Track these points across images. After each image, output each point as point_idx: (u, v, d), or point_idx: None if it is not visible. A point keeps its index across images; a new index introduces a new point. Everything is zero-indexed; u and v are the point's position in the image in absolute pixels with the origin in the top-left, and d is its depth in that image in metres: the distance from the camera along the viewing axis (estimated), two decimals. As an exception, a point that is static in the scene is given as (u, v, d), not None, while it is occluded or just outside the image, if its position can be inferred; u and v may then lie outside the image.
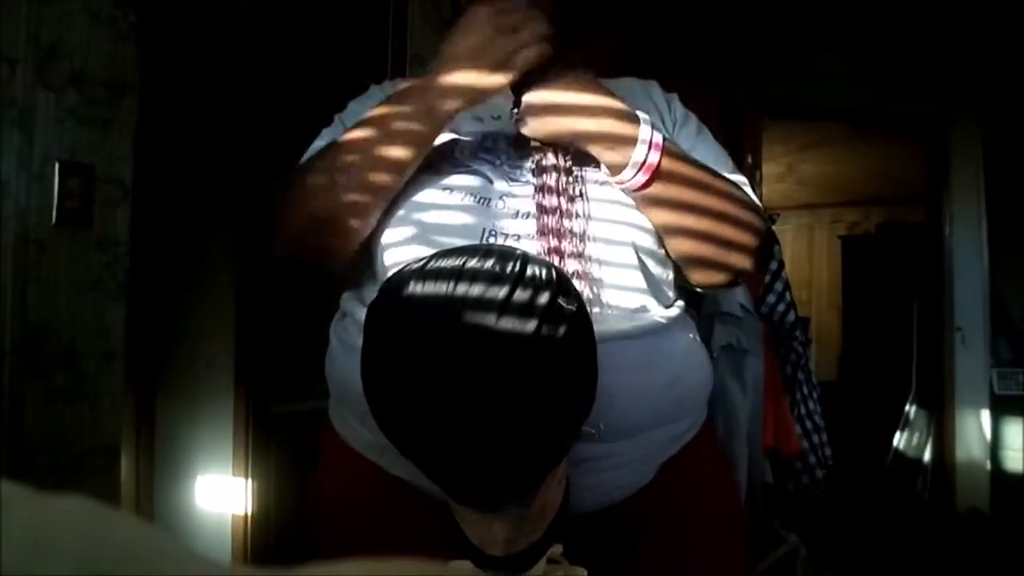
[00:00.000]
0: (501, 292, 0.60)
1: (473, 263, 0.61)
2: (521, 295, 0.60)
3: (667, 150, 0.83)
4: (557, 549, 0.70)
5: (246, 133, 2.32)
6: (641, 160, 0.82)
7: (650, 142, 0.82)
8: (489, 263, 0.61)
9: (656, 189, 0.83)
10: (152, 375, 2.39)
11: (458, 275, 0.61)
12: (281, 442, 2.35)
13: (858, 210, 7.17)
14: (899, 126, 4.25)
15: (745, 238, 0.86)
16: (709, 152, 0.95)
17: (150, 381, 2.38)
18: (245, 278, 2.30)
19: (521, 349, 0.59)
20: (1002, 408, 3.93)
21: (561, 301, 0.61)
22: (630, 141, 0.82)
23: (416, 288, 0.61)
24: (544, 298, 0.60)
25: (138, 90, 1.71)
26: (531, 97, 0.84)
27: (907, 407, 4.59)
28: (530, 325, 0.59)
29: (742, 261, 0.87)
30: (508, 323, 0.59)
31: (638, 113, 0.84)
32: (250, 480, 2.24)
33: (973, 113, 3.94)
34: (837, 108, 3.82)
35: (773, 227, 2.33)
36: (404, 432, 0.63)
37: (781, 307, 2.49)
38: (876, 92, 3.76)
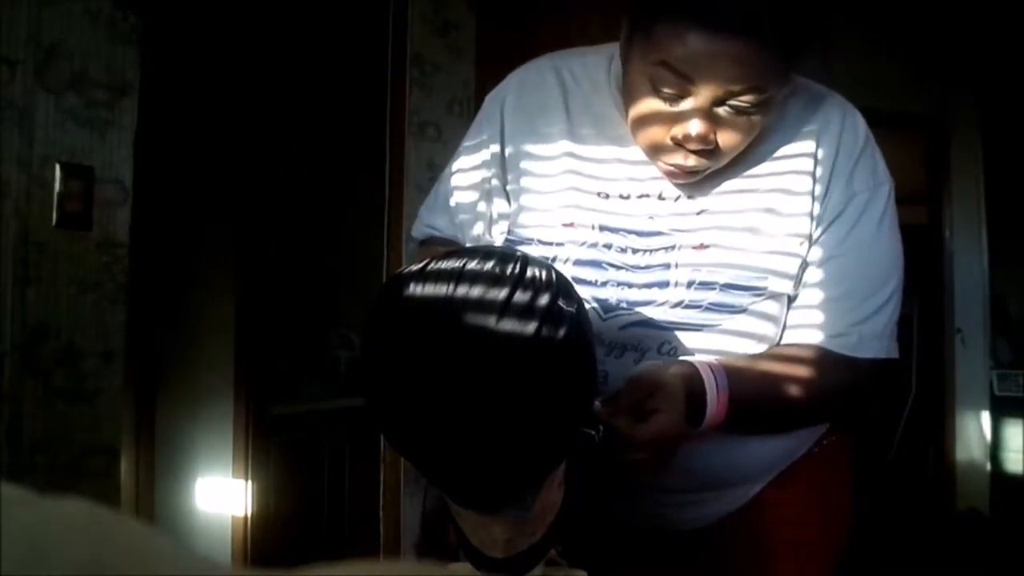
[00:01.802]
0: (501, 293, 0.60)
1: (473, 265, 0.61)
2: (521, 297, 0.60)
3: (728, 395, 0.79)
4: (556, 550, 0.70)
5: (246, 133, 2.32)
6: (711, 417, 0.79)
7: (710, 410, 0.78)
8: (489, 265, 0.61)
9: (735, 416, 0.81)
10: (152, 375, 2.39)
11: (458, 276, 0.61)
12: (281, 443, 2.35)
13: (858, 211, 7.18)
14: (899, 127, 4.25)
15: (820, 404, 0.87)
16: (846, 260, 0.87)
17: (150, 381, 2.38)
18: (245, 278, 2.30)
19: (521, 350, 0.59)
20: (1002, 409, 3.92)
21: (561, 303, 0.61)
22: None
23: (416, 289, 0.61)
24: (544, 300, 0.60)
25: (138, 91, 1.71)
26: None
27: (907, 407, 4.59)
28: (530, 327, 0.59)
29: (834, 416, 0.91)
30: (508, 324, 0.59)
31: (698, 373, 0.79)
32: (250, 481, 2.24)
33: (973, 113, 3.94)
34: (837, 109, 3.82)
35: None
36: (404, 433, 0.63)
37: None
38: (876, 92, 3.75)
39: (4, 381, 1.49)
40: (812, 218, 0.86)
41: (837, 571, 0.97)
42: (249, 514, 2.23)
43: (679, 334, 0.83)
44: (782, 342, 0.88)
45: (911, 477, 4.30)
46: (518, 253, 0.64)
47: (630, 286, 0.84)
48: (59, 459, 1.56)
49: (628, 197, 0.88)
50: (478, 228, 0.96)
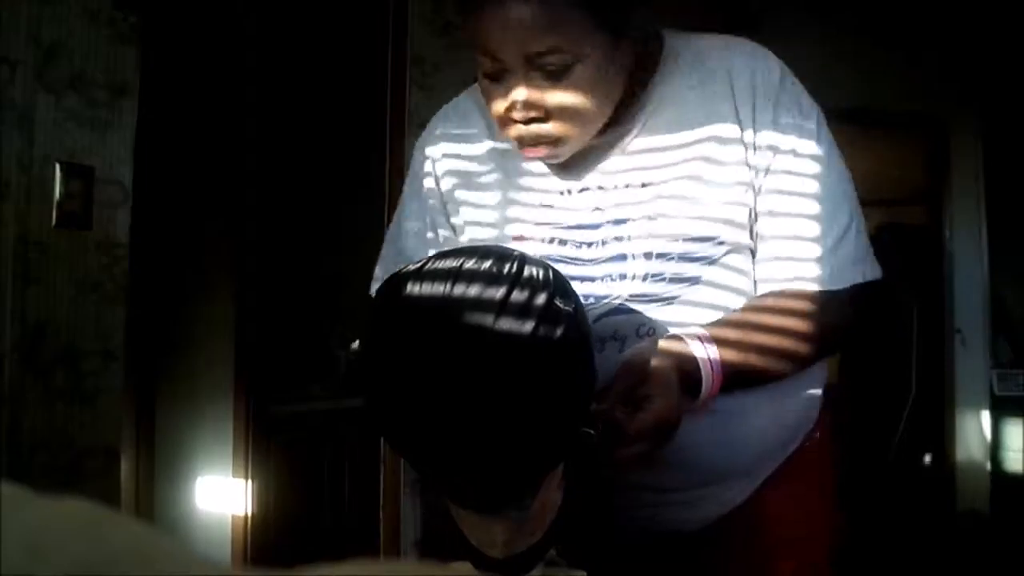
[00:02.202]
0: (499, 293, 0.60)
1: (471, 264, 0.61)
2: (518, 296, 0.60)
3: (721, 362, 0.79)
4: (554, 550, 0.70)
5: (246, 134, 2.32)
6: (708, 389, 0.79)
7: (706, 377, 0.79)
8: (487, 264, 0.61)
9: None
10: (152, 375, 2.39)
11: (456, 276, 0.61)
12: (281, 443, 2.35)
13: (858, 211, 7.17)
14: (899, 127, 4.25)
15: (811, 344, 0.87)
16: (794, 198, 0.87)
17: (150, 381, 2.38)
18: (245, 278, 2.30)
19: (519, 349, 0.59)
20: (1002, 409, 3.92)
21: (558, 302, 0.61)
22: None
23: (414, 289, 0.61)
24: (541, 299, 0.60)
25: (138, 91, 1.71)
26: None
27: (907, 408, 4.59)
28: (527, 325, 0.59)
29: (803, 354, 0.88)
30: (506, 323, 0.59)
31: (686, 345, 0.79)
32: (250, 481, 2.24)
33: (973, 113, 3.93)
34: (837, 109, 3.81)
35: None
36: (403, 434, 0.63)
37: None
38: (876, 93, 3.75)
39: (4, 381, 1.49)
40: (749, 166, 0.86)
41: (833, 568, 0.98)
42: (249, 514, 2.23)
43: (652, 311, 0.84)
44: (757, 293, 0.88)
45: (911, 477, 4.30)
46: (515, 252, 0.64)
47: (592, 280, 0.85)
48: (59, 459, 1.56)
49: (570, 193, 0.90)
50: None
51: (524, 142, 0.84)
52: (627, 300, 0.84)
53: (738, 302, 0.86)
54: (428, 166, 0.98)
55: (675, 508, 0.89)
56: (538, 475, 0.64)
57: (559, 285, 0.63)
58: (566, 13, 0.77)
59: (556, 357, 0.61)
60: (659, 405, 0.72)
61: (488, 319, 0.59)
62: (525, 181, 0.92)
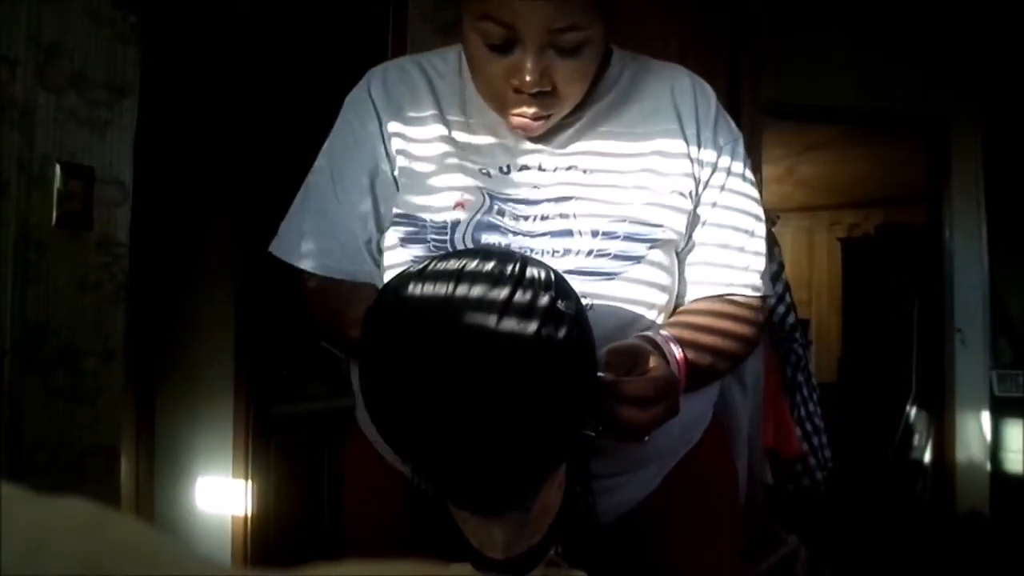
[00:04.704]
0: (502, 294, 0.59)
1: (473, 265, 0.61)
2: (521, 297, 0.60)
3: (686, 362, 0.83)
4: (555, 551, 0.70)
5: (246, 133, 2.32)
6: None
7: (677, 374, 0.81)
8: (489, 265, 0.61)
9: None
10: (152, 375, 2.39)
11: (458, 277, 0.61)
12: (281, 443, 2.35)
13: (857, 212, 7.17)
14: (899, 127, 4.25)
15: (745, 346, 0.95)
16: (730, 205, 0.94)
17: (150, 381, 2.38)
18: (245, 278, 2.30)
19: (522, 350, 0.59)
20: (1002, 410, 3.92)
21: (561, 303, 0.61)
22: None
23: (416, 290, 0.61)
24: (544, 300, 0.60)
25: (138, 91, 1.71)
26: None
27: (907, 408, 4.59)
28: (531, 326, 0.59)
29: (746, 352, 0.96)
30: (509, 324, 0.59)
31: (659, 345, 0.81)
32: (250, 481, 2.24)
33: (973, 113, 3.94)
34: (837, 109, 3.82)
35: (774, 229, 2.33)
36: (404, 436, 0.63)
37: (781, 309, 2.49)
38: (876, 93, 3.75)
39: (4, 381, 1.49)
40: (691, 177, 0.92)
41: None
42: (249, 514, 2.23)
43: (591, 284, 0.85)
44: (687, 294, 0.94)
45: (911, 477, 4.30)
46: (517, 254, 0.64)
47: (532, 250, 0.86)
48: (59, 459, 1.56)
49: (508, 171, 0.90)
50: (368, 229, 0.94)
51: (524, 115, 0.85)
52: (571, 266, 0.85)
53: (663, 294, 0.90)
54: (371, 110, 0.95)
55: (597, 496, 0.89)
56: (541, 476, 0.64)
57: (561, 286, 0.63)
58: None
59: (560, 358, 0.60)
60: (661, 373, 0.74)
61: (492, 320, 0.58)
62: (466, 151, 0.91)
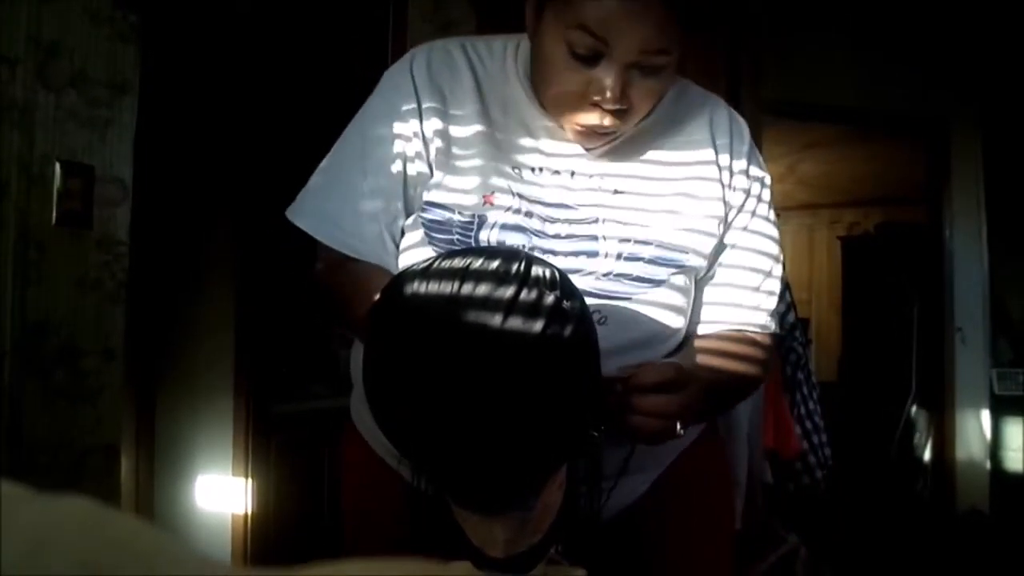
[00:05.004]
0: (507, 292, 0.59)
1: (478, 264, 0.61)
2: (527, 296, 0.60)
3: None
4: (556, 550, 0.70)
5: (246, 133, 2.32)
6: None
7: None
8: (494, 264, 0.61)
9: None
10: (152, 375, 2.39)
11: (463, 275, 0.60)
12: (281, 442, 2.35)
13: (857, 211, 7.17)
14: (899, 126, 4.25)
15: (751, 386, 1.01)
16: (752, 245, 0.97)
17: (150, 381, 2.38)
18: (245, 278, 2.29)
19: (528, 349, 0.59)
20: (1002, 408, 3.92)
21: (566, 302, 0.61)
22: None
23: (420, 288, 0.61)
24: (550, 299, 0.60)
25: (138, 90, 1.71)
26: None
27: (907, 407, 4.59)
28: (537, 325, 0.59)
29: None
30: (514, 323, 0.58)
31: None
32: (250, 480, 2.24)
33: (973, 113, 3.94)
34: (837, 108, 3.82)
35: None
36: (408, 434, 0.62)
37: (781, 307, 2.49)
38: (876, 92, 3.75)
39: (4, 381, 1.49)
40: (724, 203, 0.94)
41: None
42: (249, 513, 2.23)
43: (607, 303, 0.86)
44: (701, 320, 0.96)
45: (911, 476, 4.30)
46: (522, 252, 0.64)
47: (555, 254, 0.86)
48: (60, 458, 1.56)
49: (541, 171, 0.90)
50: (391, 209, 0.92)
51: (594, 128, 0.85)
52: (588, 285, 0.85)
53: (680, 318, 0.92)
54: (411, 91, 0.92)
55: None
56: (545, 475, 0.64)
57: (566, 285, 0.63)
58: (679, 19, 0.79)
59: (565, 357, 0.60)
60: (675, 360, 0.77)
61: (497, 319, 0.58)
62: (503, 149, 0.91)
